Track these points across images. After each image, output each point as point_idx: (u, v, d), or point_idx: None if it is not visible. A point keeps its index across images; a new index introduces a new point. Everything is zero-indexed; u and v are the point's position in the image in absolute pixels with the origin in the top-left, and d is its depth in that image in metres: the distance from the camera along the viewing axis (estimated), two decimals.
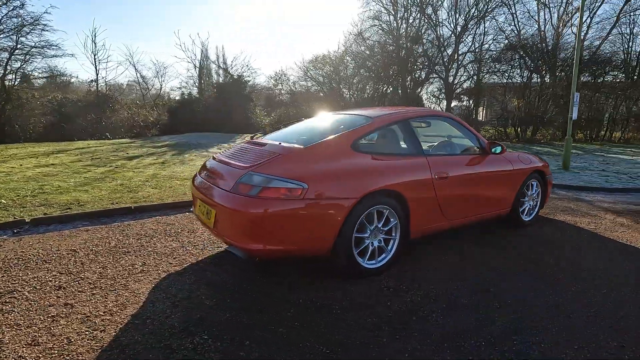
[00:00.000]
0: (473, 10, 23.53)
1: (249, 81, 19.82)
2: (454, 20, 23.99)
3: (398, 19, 25.11)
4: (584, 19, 24.70)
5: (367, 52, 23.50)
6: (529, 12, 26.61)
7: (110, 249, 3.32)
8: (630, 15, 23.86)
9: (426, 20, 24.29)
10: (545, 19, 25.15)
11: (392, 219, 2.95)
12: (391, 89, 22.80)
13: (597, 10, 24.48)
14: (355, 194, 2.67)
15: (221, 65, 19.52)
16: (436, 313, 2.37)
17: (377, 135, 3.30)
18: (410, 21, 24.76)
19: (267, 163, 2.69)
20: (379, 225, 2.89)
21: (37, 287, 2.58)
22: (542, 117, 18.38)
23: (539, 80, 20.26)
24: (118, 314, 2.27)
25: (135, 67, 27.45)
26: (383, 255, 2.97)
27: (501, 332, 2.17)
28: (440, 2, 24.13)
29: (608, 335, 2.14)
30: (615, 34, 23.90)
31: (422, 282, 2.81)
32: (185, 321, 2.20)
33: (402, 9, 24.86)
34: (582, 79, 20.60)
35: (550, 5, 24.99)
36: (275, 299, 2.51)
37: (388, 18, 25.37)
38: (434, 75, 25.23)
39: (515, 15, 24.67)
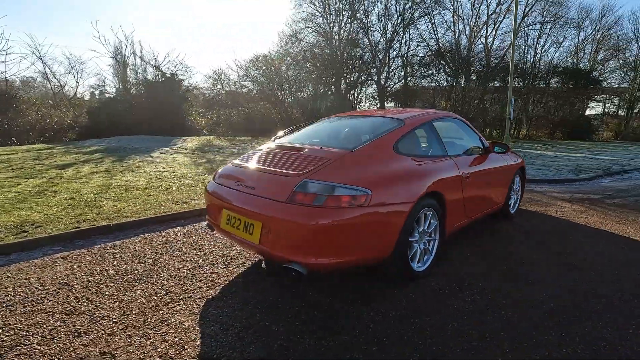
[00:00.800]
0: (400, 18, 25.15)
1: (183, 80, 18.45)
2: (384, 26, 25.42)
3: (330, 22, 25.73)
4: (490, 31, 28.09)
5: (304, 53, 23.59)
6: (446, 23, 29.45)
7: (112, 278, 2.77)
8: (524, 30, 27.64)
9: (359, 25, 25.30)
10: (459, 30, 28.00)
11: (432, 221, 2.96)
12: (332, 90, 23.19)
13: (499, 24, 27.94)
14: (412, 197, 2.62)
15: (151, 62, 17.82)
16: (504, 309, 2.43)
17: (409, 137, 3.29)
18: (342, 25, 25.56)
19: (323, 169, 2.49)
20: (425, 228, 2.88)
21: (47, 336, 2.03)
22: (466, 117, 20.46)
23: (463, 83, 22.42)
24: (180, 357, 1.89)
25: (42, 60, 23.55)
26: (426, 257, 2.97)
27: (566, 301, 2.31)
28: (371, 8, 25.31)
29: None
30: (516, 44, 27.56)
31: (468, 278, 2.87)
32: (268, 353, 1.92)
33: (334, 12, 25.52)
34: (495, 84, 23.45)
35: (464, 17, 27.93)
36: (344, 315, 2.34)
37: (321, 20, 25.84)
38: (369, 78, 26.40)
39: (434, 25, 27.02)
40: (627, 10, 45.18)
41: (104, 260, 3.10)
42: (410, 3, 24.45)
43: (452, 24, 28.11)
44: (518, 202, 4.83)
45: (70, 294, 2.51)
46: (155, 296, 2.51)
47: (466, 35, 28.31)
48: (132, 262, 3.06)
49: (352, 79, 25.98)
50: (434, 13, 26.46)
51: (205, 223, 3.15)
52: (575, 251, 3.52)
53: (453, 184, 3.14)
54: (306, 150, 2.83)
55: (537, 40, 27.08)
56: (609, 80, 23.75)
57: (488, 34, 27.52)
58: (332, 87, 25.62)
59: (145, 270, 2.91)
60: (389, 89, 26.30)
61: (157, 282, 2.71)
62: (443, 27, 30.20)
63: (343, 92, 25.24)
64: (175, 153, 11.04)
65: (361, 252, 2.45)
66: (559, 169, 9.11)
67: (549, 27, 26.57)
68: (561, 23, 26.06)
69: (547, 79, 23.25)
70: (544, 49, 26.99)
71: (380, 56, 25.45)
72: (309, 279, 2.75)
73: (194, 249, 3.39)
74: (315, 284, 2.73)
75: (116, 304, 2.40)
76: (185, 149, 12.24)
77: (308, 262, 2.29)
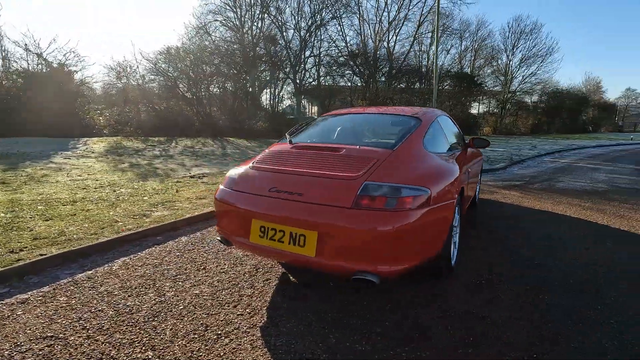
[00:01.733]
0: (312, 18, 25.61)
1: (75, 71, 15.63)
2: (297, 24, 25.58)
3: (241, 16, 24.82)
4: (391, 36, 30.52)
5: (215, 48, 22.22)
6: (354, 27, 31.02)
7: (118, 320, 2.15)
8: (420, 37, 30.74)
9: (272, 21, 24.94)
10: (366, 34, 29.84)
11: (456, 215, 3.04)
12: (249, 88, 22.38)
13: (399, 30, 30.57)
14: (455, 193, 2.65)
15: (31, 49, 14.59)
16: (550, 292, 2.62)
17: (429, 134, 3.30)
18: (255, 20, 24.88)
19: (378, 170, 2.33)
20: (454, 223, 2.94)
21: None
22: None
23: (375, 84, 23.91)
24: None
25: None
26: (453, 250, 3.04)
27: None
28: (284, 5, 25.17)
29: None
30: (414, 50, 30.59)
31: (493, 267, 3.03)
32: None
33: (245, 7, 24.68)
34: (401, 85, 25.67)
35: (369, 22, 29.82)
36: (412, 323, 2.23)
37: (232, 15, 24.73)
38: (284, 76, 26.26)
39: (343, 27, 28.26)
40: (497, 25, 54.53)
41: (87, 298, 2.39)
42: (321, 5, 25.06)
43: (359, 28, 29.86)
44: (478, 191, 5.34)
45: (72, 352, 1.86)
46: (195, 334, 2.03)
47: (372, 39, 30.37)
48: (128, 297, 2.43)
49: (266, 76, 25.53)
50: (342, 16, 27.67)
51: (219, 237, 2.69)
52: (545, 227, 4.03)
53: (463, 179, 3.28)
54: (343, 150, 2.61)
55: (430, 47, 30.61)
56: (488, 84, 28.35)
57: (390, 39, 29.97)
58: (248, 84, 24.80)
59: (156, 304, 2.34)
60: (305, 87, 26.58)
61: (184, 316, 2.20)
62: (352, 31, 31.81)
63: (258, 89, 24.64)
64: (82, 157, 9.31)
65: (425, 253, 2.37)
66: None
67: (439, 35, 30.19)
68: (448, 33, 29.88)
69: (441, 81, 26.49)
70: (436, 55, 30.62)
71: (296, 54, 25.56)
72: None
73: (198, 270, 2.86)
74: (347, 290, 2.56)
75: (149, 353, 1.86)
76: (92, 152, 10.43)
77: (382, 270, 2.11)
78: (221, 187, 2.72)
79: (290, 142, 2.97)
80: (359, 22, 30.06)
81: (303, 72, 26.00)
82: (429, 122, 3.21)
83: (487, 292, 2.60)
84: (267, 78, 25.48)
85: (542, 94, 28.63)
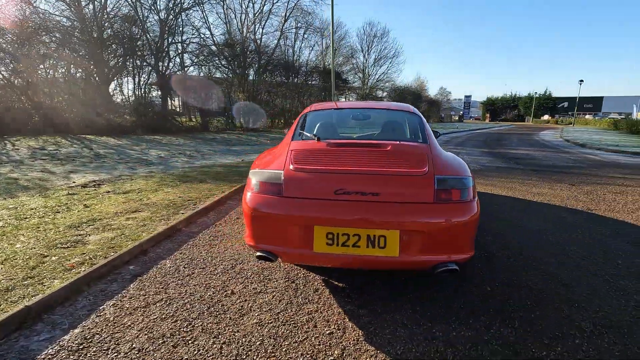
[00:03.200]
0: (172, 2, 23.06)
1: None
2: (156, 6, 22.59)
3: None
4: (257, 28, 30.27)
5: (40, 22, 17.57)
6: (217, 15, 29.39)
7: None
8: (286, 32, 31.45)
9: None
10: (233, 24, 28.74)
11: None
12: (95, 75, 18.59)
13: (265, 23, 30.59)
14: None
15: None
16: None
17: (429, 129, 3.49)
18: None
19: (436, 164, 2.40)
20: None
21: None
22: (259, 108, 21.67)
23: (252, 77, 23.28)
24: None
25: None
26: None
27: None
28: None
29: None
30: (281, 44, 31.10)
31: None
32: None
33: None
34: (276, 79, 25.83)
35: (236, 12, 28.81)
36: (462, 296, 2.43)
37: None
38: (143, 63, 22.91)
39: (206, 15, 26.50)
40: (352, 27, 60.34)
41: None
42: None
43: (225, 17, 28.53)
44: None
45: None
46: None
47: (239, 30, 29.49)
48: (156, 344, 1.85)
49: (119, 62, 21.78)
50: (205, 1, 25.84)
51: (259, 253, 2.30)
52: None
53: None
54: (389, 146, 2.56)
55: (294, 42, 31.74)
56: (349, 80, 31.38)
57: (256, 31, 29.70)
58: (94, 69, 20.61)
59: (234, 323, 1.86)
60: (169, 77, 23.89)
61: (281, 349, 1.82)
62: (217, 20, 30.04)
63: (115, 78, 20.84)
64: None
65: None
66: None
67: (302, 32, 31.59)
68: (311, 30, 31.56)
69: (310, 75, 27.97)
70: (301, 50, 32.02)
71: (155, 41, 22.59)
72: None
73: (226, 295, 2.37)
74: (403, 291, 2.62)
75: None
76: None
77: (458, 259, 2.22)
78: (253, 194, 2.34)
79: (318, 139, 2.73)
80: (224, 11, 28.77)
81: (167, 60, 23.28)
82: (421, 116, 3.43)
83: None
84: (119, 64, 21.74)
85: (390, 90, 33.65)
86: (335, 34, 34.56)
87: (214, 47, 22.92)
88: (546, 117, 52.50)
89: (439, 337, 1.98)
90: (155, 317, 2.13)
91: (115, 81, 18.60)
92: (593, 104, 53.25)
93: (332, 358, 1.81)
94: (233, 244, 3.29)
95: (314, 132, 3.10)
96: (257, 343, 1.91)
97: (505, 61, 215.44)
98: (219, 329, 2.03)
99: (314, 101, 28.63)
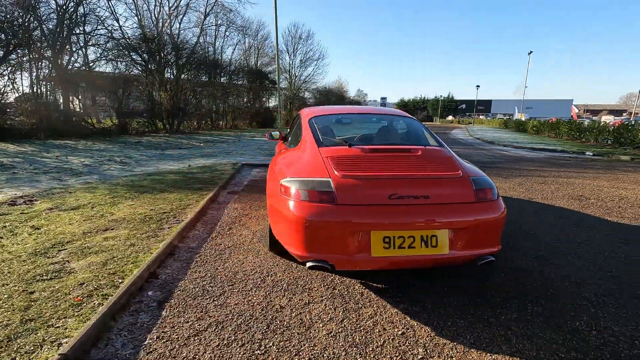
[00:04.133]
0: None
1: None
2: None
3: None
4: (173, 23, 28.36)
5: None
6: (127, 6, 26.65)
7: None
8: (208, 28, 30.06)
9: None
10: (146, 17, 26.41)
11: None
12: None
13: (182, 18, 28.80)
14: None
15: None
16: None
17: None
18: None
19: (464, 167, 2.62)
20: None
21: None
22: (185, 109, 20.25)
23: (173, 75, 21.58)
24: None
25: None
26: None
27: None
28: None
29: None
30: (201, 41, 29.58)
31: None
32: None
33: None
34: (199, 78, 24.35)
35: (149, 3, 26.50)
36: (477, 280, 2.73)
37: None
38: (32, 54, 19.60)
39: (112, 5, 23.94)
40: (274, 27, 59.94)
41: None
42: None
43: (135, 9, 26.09)
44: None
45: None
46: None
47: (153, 23, 27.23)
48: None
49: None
50: None
51: (311, 264, 2.25)
52: None
53: None
54: (419, 151, 2.71)
55: (215, 39, 30.44)
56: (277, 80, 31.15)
57: (172, 25, 27.77)
58: None
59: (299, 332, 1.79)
60: (74, 73, 20.93)
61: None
62: (127, 11, 27.16)
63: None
64: None
65: None
66: None
67: (224, 29, 30.45)
68: (233, 28, 30.60)
69: (237, 76, 27.05)
70: (223, 49, 30.81)
71: (50, 26, 19.54)
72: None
73: (277, 310, 2.26)
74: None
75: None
76: None
77: (496, 250, 2.48)
78: (302, 203, 2.29)
79: (350, 145, 2.75)
80: (134, 1, 26.26)
81: (69, 54, 20.30)
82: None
83: None
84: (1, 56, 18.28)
85: (315, 92, 34.45)
86: (257, 34, 34.12)
87: (124, 41, 20.68)
88: (450, 117, 59.29)
89: (493, 322, 2.19)
90: (216, 344, 1.94)
91: (7, 77, 15.54)
92: (485, 106, 62.06)
93: (420, 357, 1.88)
94: (246, 256, 3.12)
95: (335, 138, 3.11)
96: (344, 354, 1.89)
97: (413, 65, 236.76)
98: (295, 346, 1.94)
99: (242, 102, 27.80)
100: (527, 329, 2.13)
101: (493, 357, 1.89)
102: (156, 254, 2.93)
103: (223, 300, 2.40)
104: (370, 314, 2.27)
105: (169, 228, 3.69)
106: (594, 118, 46.49)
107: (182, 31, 28.05)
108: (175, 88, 20.04)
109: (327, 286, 2.62)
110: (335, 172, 2.40)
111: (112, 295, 2.29)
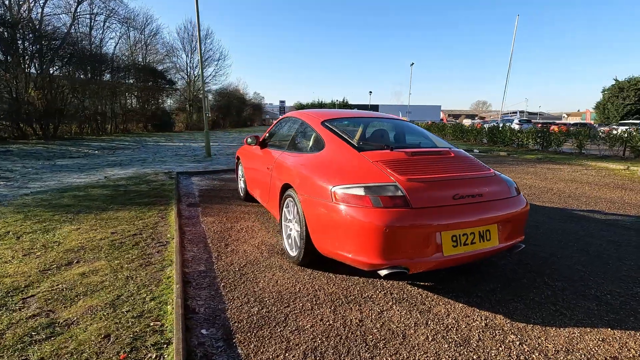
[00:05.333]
0: None
1: None
2: None
3: None
4: (34, 6, 23.74)
5: None
6: None
7: None
8: (80, 17, 25.81)
9: None
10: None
11: None
12: None
13: (45, 3, 24.34)
14: None
15: None
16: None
17: None
18: None
19: (488, 167, 2.89)
20: None
21: None
22: (63, 111, 16.96)
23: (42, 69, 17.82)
24: None
25: None
26: None
27: None
28: None
29: None
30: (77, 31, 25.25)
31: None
32: None
33: None
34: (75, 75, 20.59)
35: None
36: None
37: None
38: None
39: None
40: (170, 22, 54.12)
41: None
42: None
43: None
44: None
45: None
46: None
47: (6, 5, 22.16)
48: None
49: None
50: None
51: (387, 272, 2.22)
52: None
53: None
54: (452, 154, 2.87)
55: (90, 30, 26.34)
56: (174, 80, 28.37)
57: (32, 10, 23.06)
58: None
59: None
60: None
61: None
62: None
63: None
64: None
65: None
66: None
67: (102, 19, 26.55)
68: (115, 19, 26.91)
69: (125, 74, 23.80)
70: (102, 42, 26.80)
71: None
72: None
73: (357, 324, 2.14)
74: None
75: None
76: None
77: (523, 238, 2.80)
78: (374, 210, 2.24)
79: (391, 149, 2.74)
80: None
81: None
82: None
83: None
84: None
85: (216, 94, 32.61)
86: (145, 28, 30.78)
87: None
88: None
89: (540, 300, 2.49)
90: None
91: None
92: (374, 110, 68.61)
93: (518, 342, 2.02)
94: (273, 273, 2.83)
95: (382, 141, 3.07)
96: (458, 355, 1.90)
97: (310, 70, 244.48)
98: (403, 356, 1.87)
99: (134, 104, 24.55)
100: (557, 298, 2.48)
101: (567, 330, 2.14)
102: (176, 284, 2.43)
103: (294, 324, 2.14)
104: (445, 312, 2.32)
105: (157, 252, 3.10)
106: (456, 121, 55.63)
107: (46, 17, 23.43)
108: (48, 86, 16.63)
109: (380, 290, 2.58)
110: (399, 176, 2.39)
111: (166, 343, 1.83)
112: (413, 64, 44.60)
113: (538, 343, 2.01)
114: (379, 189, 2.31)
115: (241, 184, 5.28)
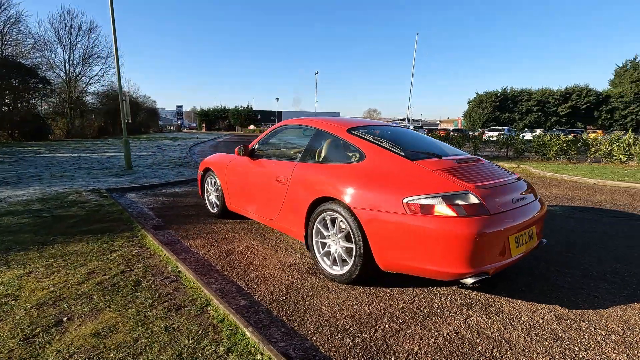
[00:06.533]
0: None
1: None
2: None
3: None
4: None
5: None
6: None
7: None
8: None
9: None
10: None
11: None
12: None
13: None
14: None
15: None
16: None
17: None
18: None
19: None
20: None
21: None
22: None
23: None
24: None
25: None
26: None
27: None
28: None
29: None
30: None
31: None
32: None
33: None
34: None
35: None
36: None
37: None
38: None
39: None
40: (29, 8, 44.59)
41: None
42: None
43: None
44: None
45: None
46: None
47: None
48: None
49: None
50: None
51: (473, 280, 2.25)
52: None
53: None
54: (482, 160, 3.02)
55: None
56: (49, 79, 23.22)
57: None
58: None
59: None
60: None
61: None
62: None
63: None
64: None
65: None
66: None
67: None
68: None
69: None
70: None
71: None
72: None
73: (505, 343, 2.10)
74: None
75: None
76: None
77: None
78: (462, 219, 2.24)
79: (440, 157, 2.75)
80: None
81: None
82: None
83: None
84: None
85: (103, 96, 28.13)
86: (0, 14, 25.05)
87: None
88: (252, 127, 62.00)
89: (577, 287, 2.82)
90: None
91: None
92: (277, 117, 68.66)
93: (592, 328, 2.24)
94: (327, 295, 2.56)
95: (423, 149, 3.00)
96: (564, 352, 2.01)
97: (210, 74, 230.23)
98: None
99: None
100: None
101: (608, 310, 2.47)
102: (245, 327, 2.00)
103: (400, 349, 1.97)
104: (515, 311, 2.42)
105: (175, 291, 2.52)
106: None
107: None
108: None
109: (448, 299, 2.57)
110: (467, 184, 2.42)
111: None
112: (317, 72, 46.33)
113: (605, 325, 2.27)
114: (457, 198, 2.30)
115: (212, 199, 4.69)
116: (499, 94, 50.48)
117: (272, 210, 3.50)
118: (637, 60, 48.80)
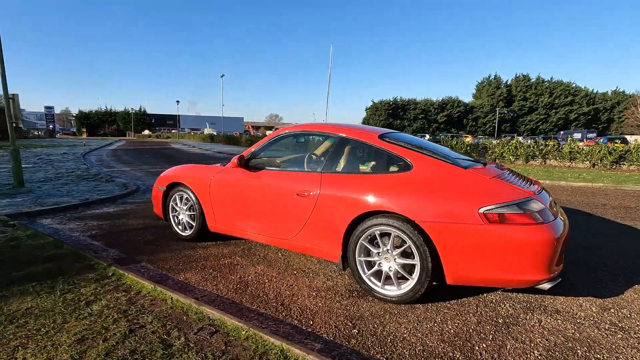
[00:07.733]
0: None
1: None
2: None
3: None
4: None
5: None
6: None
7: None
8: None
9: None
10: None
11: None
12: None
13: None
14: None
15: None
16: None
17: None
18: None
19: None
20: None
21: None
22: None
23: None
24: None
25: None
26: None
27: None
28: None
29: None
30: None
31: None
32: None
33: None
34: None
35: None
36: None
37: None
38: None
39: None
40: None
41: None
42: None
43: None
44: None
45: None
46: None
47: None
48: None
49: None
50: None
51: (549, 285, 2.32)
52: None
53: None
54: (504, 171, 3.09)
55: None
56: None
57: None
58: None
59: None
60: None
61: None
62: None
63: None
64: None
65: None
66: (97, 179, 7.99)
67: None
68: None
69: None
70: None
71: None
72: None
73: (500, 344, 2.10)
74: None
75: None
76: None
77: None
78: (541, 226, 2.27)
79: (484, 164, 2.76)
80: None
81: None
82: None
83: None
84: None
85: None
86: None
87: None
88: (147, 131, 55.33)
89: (599, 279, 3.13)
90: None
91: None
92: (173, 121, 62.94)
93: (620, 326, 2.49)
94: (388, 319, 2.31)
95: (453, 157, 2.89)
96: (634, 343, 2.17)
97: (89, 72, 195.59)
98: (625, 357, 2.00)
99: None
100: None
101: (621, 297, 2.81)
102: None
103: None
104: (566, 308, 2.56)
105: (235, 345, 1.94)
106: (258, 132, 59.37)
107: None
108: None
109: (501, 304, 2.58)
110: (526, 190, 2.45)
111: None
112: (223, 75, 44.19)
113: None
114: (528, 205, 2.31)
115: (182, 219, 3.91)
116: (391, 103, 56.05)
117: (288, 229, 3.06)
118: (490, 78, 59.97)
